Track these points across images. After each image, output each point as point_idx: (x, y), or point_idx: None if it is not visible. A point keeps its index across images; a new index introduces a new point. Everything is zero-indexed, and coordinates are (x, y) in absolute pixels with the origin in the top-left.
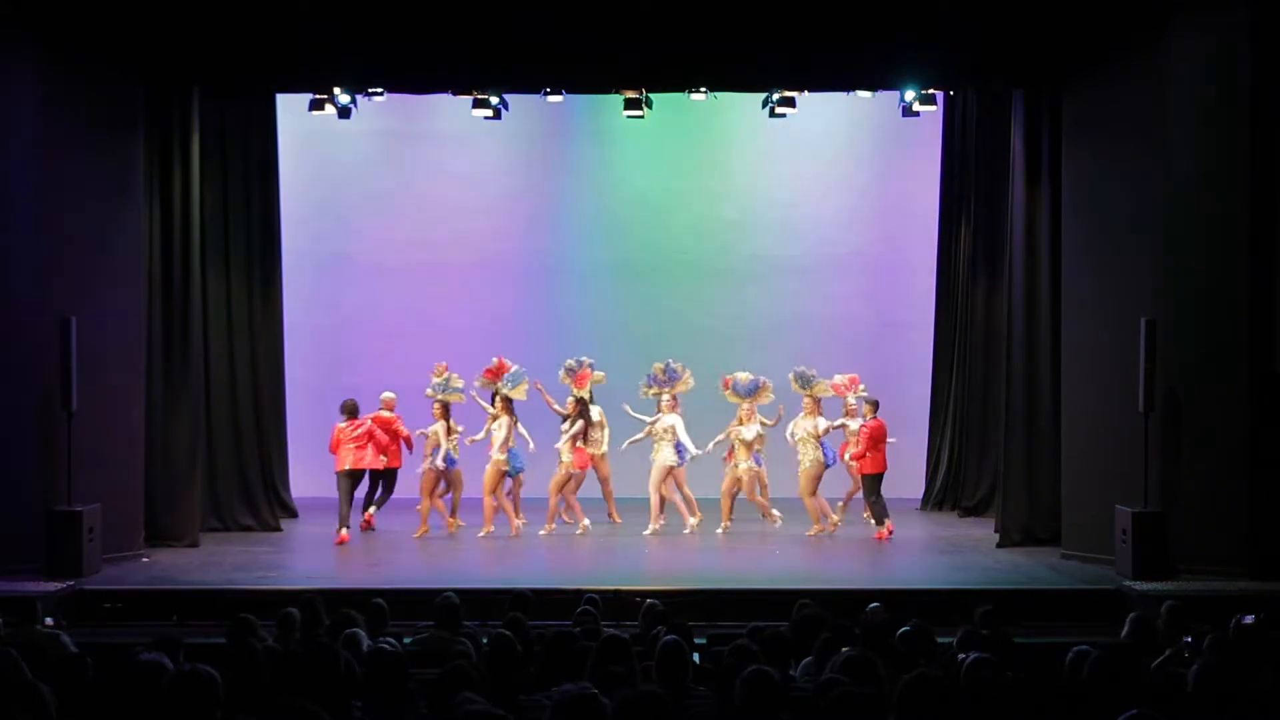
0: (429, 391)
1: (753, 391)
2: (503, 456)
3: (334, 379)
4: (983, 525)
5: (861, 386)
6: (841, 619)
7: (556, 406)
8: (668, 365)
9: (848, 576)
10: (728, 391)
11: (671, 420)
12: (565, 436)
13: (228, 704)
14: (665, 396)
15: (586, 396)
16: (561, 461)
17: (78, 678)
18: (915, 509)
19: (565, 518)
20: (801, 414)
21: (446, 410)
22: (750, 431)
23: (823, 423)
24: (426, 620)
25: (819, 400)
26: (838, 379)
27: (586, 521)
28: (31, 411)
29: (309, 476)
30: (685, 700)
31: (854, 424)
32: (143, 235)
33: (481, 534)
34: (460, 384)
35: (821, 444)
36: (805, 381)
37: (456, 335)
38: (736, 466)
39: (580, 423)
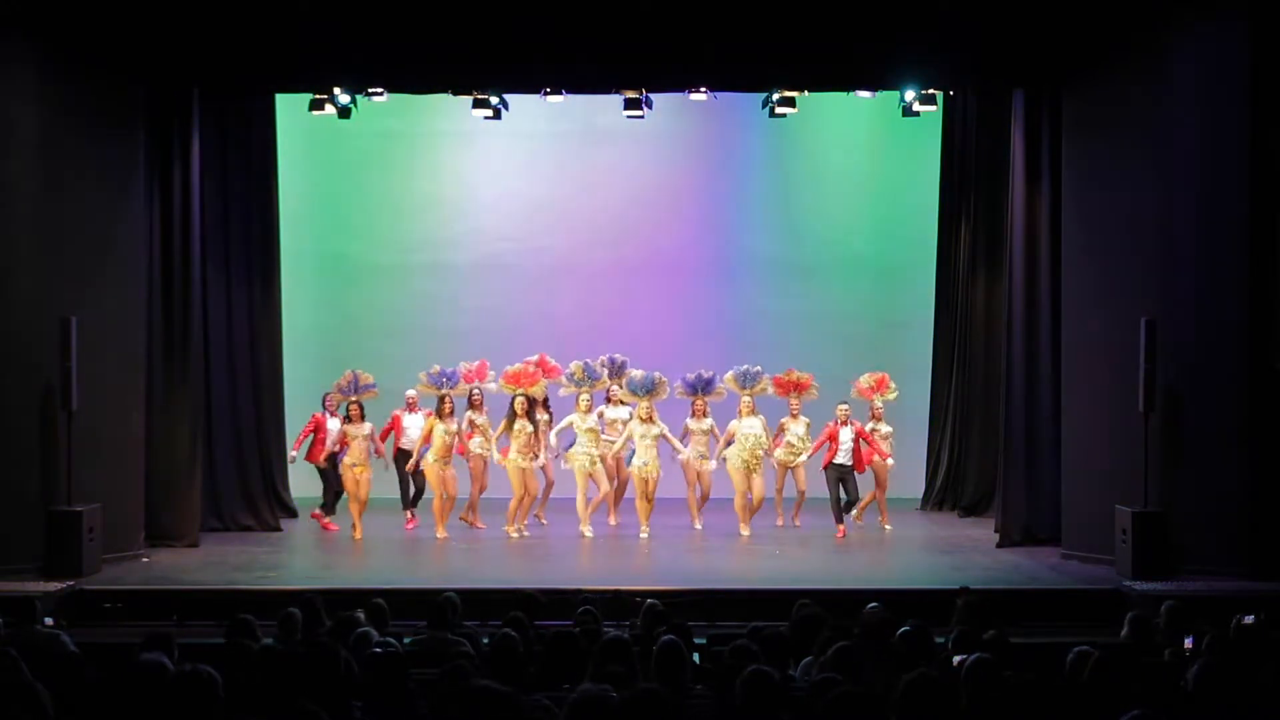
0: (337, 396)
1: (649, 389)
2: (434, 459)
3: (333, 379)
4: (983, 525)
5: (892, 388)
6: (841, 619)
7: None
8: (586, 364)
9: (848, 576)
10: (622, 390)
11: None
12: (516, 440)
13: (227, 704)
14: (584, 396)
15: (537, 396)
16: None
17: (78, 678)
18: (915, 509)
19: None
20: (739, 415)
21: (362, 411)
22: (654, 430)
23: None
24: (426, 620)
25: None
26: (863, 380)
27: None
28: (31, 411)
29: (309, 476)
30: (685, 700)
31: (884, 428)
32: (142, 235)
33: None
34: (370, 380)
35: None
36: (749, 381)
37: (456, 335)
38: (645, 465)
39: (526, 423)
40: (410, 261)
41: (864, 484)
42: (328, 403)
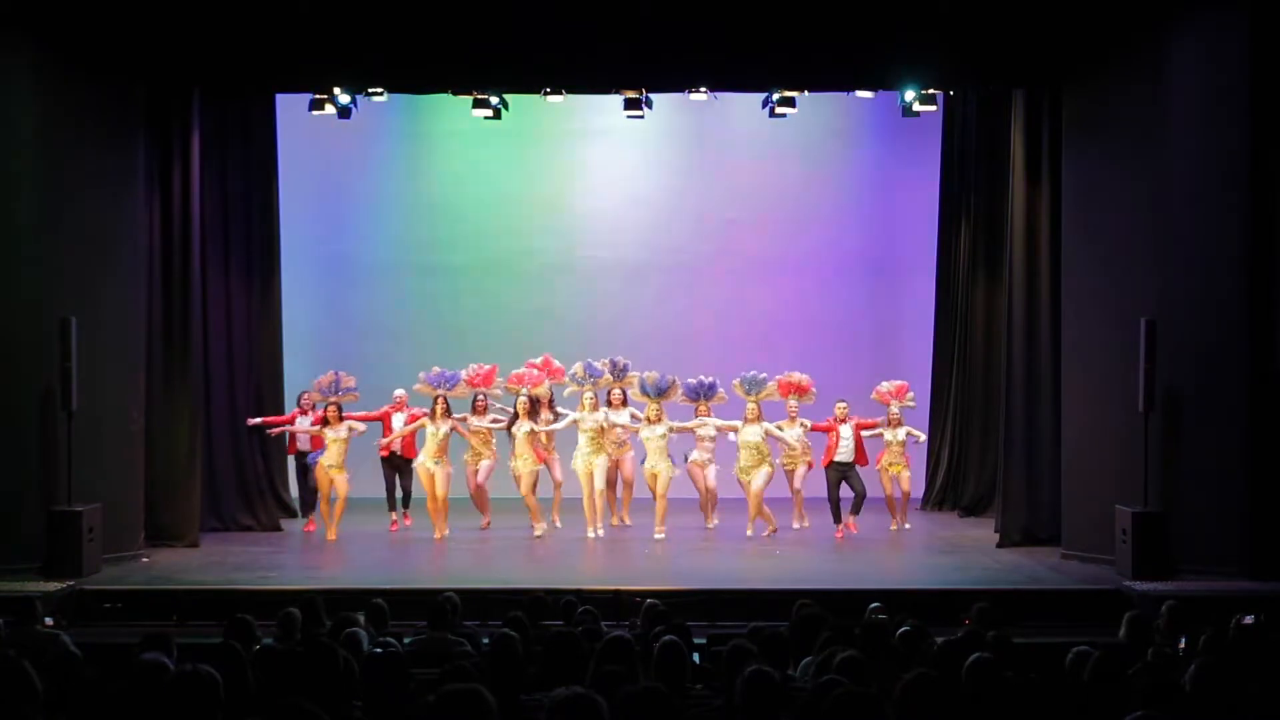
0: (315, 395)
1: (662, 390)
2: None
3: None
4: (983, 525)
5: (910, 396)
6: (841, 619)
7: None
8: (588, 364)
9: (848, 576)
10: (634, 390)
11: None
12: (520, 434)
13: (228, 704)
14: (588, 395)
15: (542, 397)
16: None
17: (77, 678)
18: (915, 509)
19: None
20: (743, 420)
21: (340, 413)
22: (660, 430)
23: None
24: (426, 620)
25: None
26: (884, 386)
27: (544, 525)
28: (31, 411)
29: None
30: (684, 700)
31: (896, 435)
32: (143, 235)
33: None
34: (352, 383)
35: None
36: (754, 387)
37: (456, 335)
38: (653, 466)
39: (528, 423)
40: (410, 261)
41: (868, 483)
42: (303, 400)
